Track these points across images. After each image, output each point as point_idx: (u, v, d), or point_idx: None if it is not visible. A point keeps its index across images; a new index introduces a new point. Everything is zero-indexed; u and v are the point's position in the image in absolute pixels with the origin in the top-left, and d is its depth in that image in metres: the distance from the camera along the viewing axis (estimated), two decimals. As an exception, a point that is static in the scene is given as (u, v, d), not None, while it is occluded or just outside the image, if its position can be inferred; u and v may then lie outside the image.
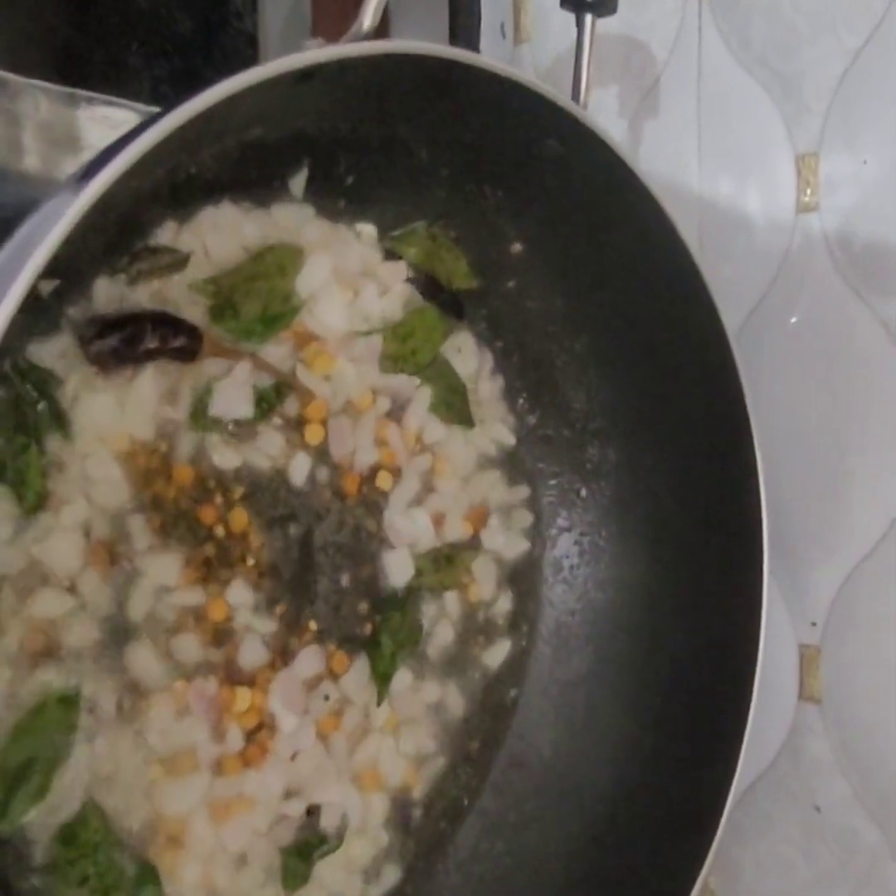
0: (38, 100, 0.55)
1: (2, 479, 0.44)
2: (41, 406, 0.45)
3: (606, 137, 0.51)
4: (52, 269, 0.36)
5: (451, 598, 0.62)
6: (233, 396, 0.50)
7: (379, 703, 0.58)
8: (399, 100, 0.48)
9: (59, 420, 0.46)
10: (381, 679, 0.58)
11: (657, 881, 0.58)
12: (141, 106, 0.56)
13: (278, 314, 0.53)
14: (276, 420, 0.54)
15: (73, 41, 0.86)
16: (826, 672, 0.63)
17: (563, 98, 0.48)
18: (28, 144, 0.54)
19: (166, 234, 0.49)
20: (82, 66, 0.85)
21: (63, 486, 0.46)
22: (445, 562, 0.61)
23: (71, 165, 0.54)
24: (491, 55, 0.78)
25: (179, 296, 0.50)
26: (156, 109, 0.58)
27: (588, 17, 0.55)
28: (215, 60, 0.93)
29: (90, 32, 0.86)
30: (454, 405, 0.61)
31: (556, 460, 0.66)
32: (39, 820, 0.47)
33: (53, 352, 0.46)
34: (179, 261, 0.49)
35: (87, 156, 0.54)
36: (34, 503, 0.45)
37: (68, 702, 0.47)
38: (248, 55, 0.93)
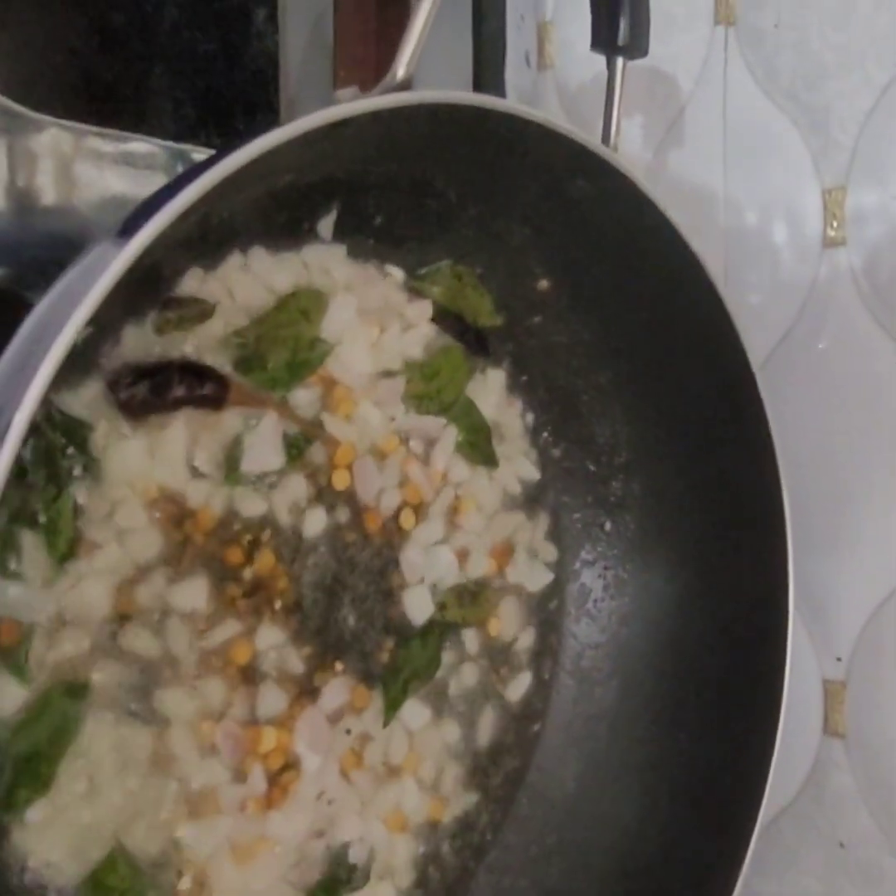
0: (57, 136, 0.55)
1: (34, 527, 0.44)
2: (71, 453, 0.46)
3: (635, 178, 0.51)
4: (89, 321, 0.36)
5: (474, 634, 0.62)
6: (264, 451, 0.50)
7: (384, 725, 0.58)
8: (429, 145, 0.48)
9: (90, 468, 0.46)
10: (391, 704, 0.58)
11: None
12: (158, 141, 0.57)
13: (304, 360, 0.53)
14: (303, 467, 0.54)
15: (94, 65, 0.86)
16: (851, 707, 0.63)
17: (593, 141, 0.48)
18: (45, 182, 0.54)
19: (192, 283, 0.49)
20: (104, 89, 0.85)
21: (94, 532, 0.47)
22: (470, 598, 0.61)
23: (91, 199, 0.54)
24: (515, 83, 0.78)
25: (207, 346, 0.50)
26: (173, 144, 0.59)
27: (619, 60, 0.55)
28: (237, 81, 0.93)
29: (112, 55, 0.86)
30: (478, 445, 0.61)
31: (580, 494, 0.66)
32: (66, 870, 0.47)
33: (83, 400, 0.46)
34: (206, 311, 0.49)
35: (107, 193, 0.54)
36: (65, 551, 0.46)
37: (74, 693, 0.47)
38: (271, 75, 0.93)
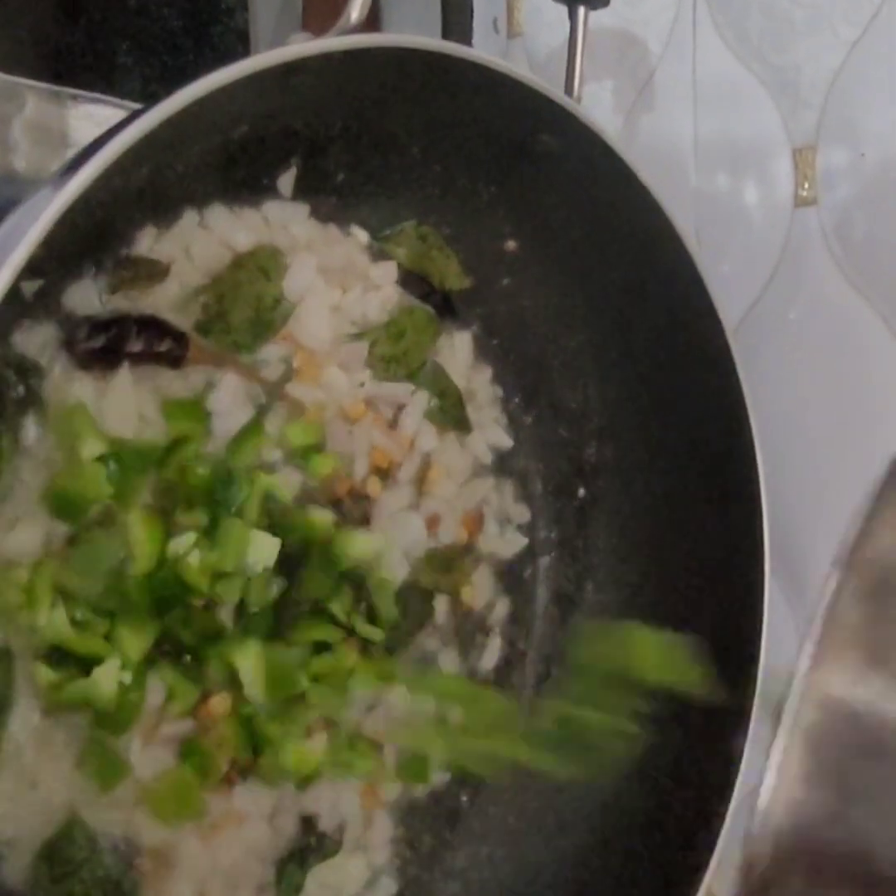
0: (26, 98, 0.54)
1: None
2: (21, 394, 0.45)
3: (601, 131, 0.50)
4: (36, 269, 0.35)
5: (446, 602, 0.61)
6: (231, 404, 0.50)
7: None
8: (390, 95, 0.47)
9: (37, 410, 0.46)
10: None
11: (662, 884, 0.57)
12: (131, 103, 0.56)
13: (268, 321, 0.52)
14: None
15: (63, 40, 0.85)
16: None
17: (556, 92, 0.48)
18: (17, 144, 0.53)
19: (146, 241, 0.48)
20: (72, 64, 0.85)
21: (32, 475, 0.46)
22: (443, 565, 0.60)
23: (59, 164, 0.53)
24: (484, 50, 0.77)
25: (166, 306, 0.49)
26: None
27: (581, 10, 0.54)
28: (206, 58, 0.92)
29: (80, 31, 0.86)
30: (449, 410, 0.61)
31: (552, 460, 0.65)
32: (22, 836, 0.46)
33: (39, 345, 0.46)
34: (160, 271, 0.48)
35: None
36: (3, 493, 0.45)
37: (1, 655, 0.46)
38: (239, 52, 0.92)
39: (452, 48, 0.43)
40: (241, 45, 0.93)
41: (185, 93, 0.37)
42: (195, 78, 0.38)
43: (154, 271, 0.48)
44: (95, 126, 0.55)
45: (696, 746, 0.59)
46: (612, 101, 0.71)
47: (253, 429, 0.51)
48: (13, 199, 0.53)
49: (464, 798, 0.63)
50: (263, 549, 0.50)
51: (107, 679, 0.47)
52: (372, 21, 0.45)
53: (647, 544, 0.64)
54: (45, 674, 0.47)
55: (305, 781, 0.55)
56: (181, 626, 0.49)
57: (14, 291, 0.35)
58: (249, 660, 0.50)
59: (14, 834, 0.46)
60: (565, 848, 0.61)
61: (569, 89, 0.54)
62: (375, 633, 0.55)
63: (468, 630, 0.63)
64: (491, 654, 0.64)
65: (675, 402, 0.60)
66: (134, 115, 0.37)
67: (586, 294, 0.60)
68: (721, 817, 0.56)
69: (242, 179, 0.50)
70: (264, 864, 0.54)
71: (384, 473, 0.58)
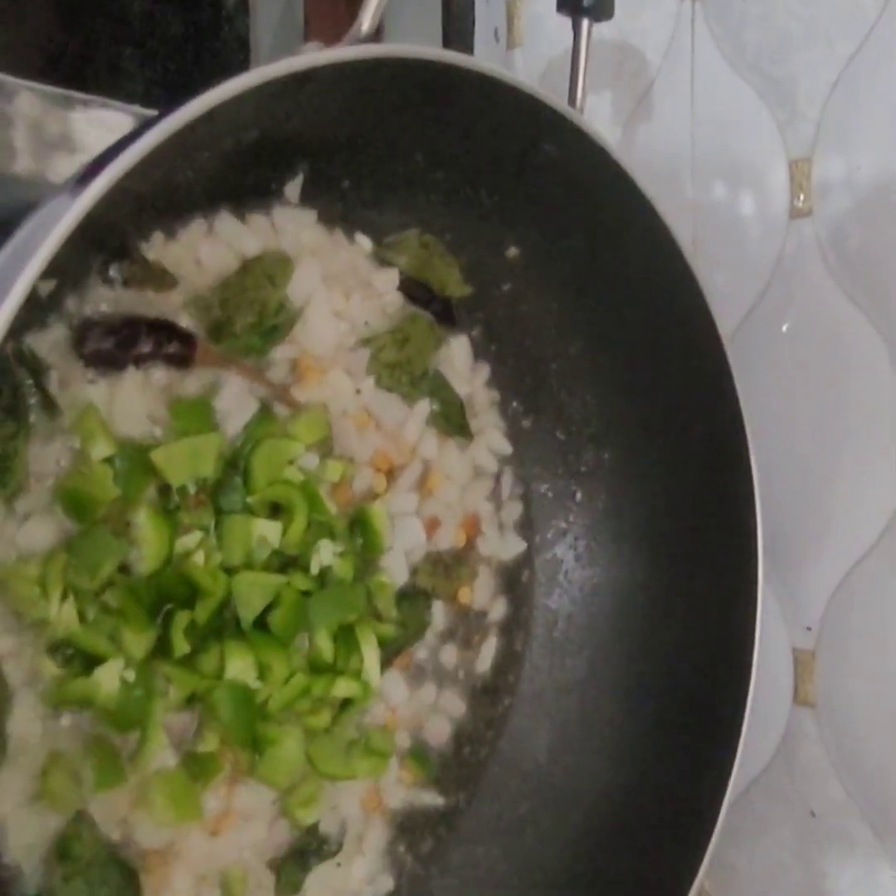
0: (31, 101, 0.55)
1: None
2: (33, 392, 0.46)
3: (602, 141, 0.51)
4: (50, 270, 0.36)
5: (446, 605, 0.62)
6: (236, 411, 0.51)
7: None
8: (396, 104, 0.48)
9: (48, 409, 0.46)
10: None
11: (653, 884, 0.58)
12: (136, 108, 0.56)
13: (274, 326, 0.53)
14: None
15: (66, 45, 0.85)
16: (821, 676, 0.63)
17: (559, 102, 0.49)
18: (20, 146, 0.54)
19: (155, 247, 0.49)
20: (75, 69, 0.85)
21: (44, 469, 0.47)
22: (443, 569, 0.61)
23: (64, 167, 0.54)
24: (484, 60, 0.78)
25: (174, 312, 0.50)
26: (150, 112, 0.58)
27: (585, 22, 0.55)
28: (207, 64, 0.93)
29: (83, 36, 0.86)
30: (452, 417, 0.61)
31: (551, 464, 0.66)
32: (33, 839, 0.47)
33: (50, 345, 0.46)
34: (167, 276, 0.49)
35: (80, 158, 0.53)
36: (15, 490, 0.46)
37: None
38: (240, 59, 0.92)
39: (459, 58, 0.44)
40: (241, 52, 0.94)
41: (200, 101, 0.38)
42: (196, 84, 0.39)
43: (162, 275, 0.49)
44: (103, 130, 0.56)
45: (690, 742, 0.60)
46: (610, 111, 0.72)
47: (263, 417, 0.52)
48: (17, 201, 0.54)
49: (460, 796, 0.64)
50: (268, 534, 0.51)
51: (108, 678, 0.48)
52: (374, 33, 0.46)
53: (644, 548, 0.64)
54: (50, 668, 0.47)
55: (307, 802, 0.55)
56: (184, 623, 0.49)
57: (31, 293, 0.36)
58: (245, 656, 0.51)
59: (27, 839, 0.47)
60: (560, 846, 0.62)
61: (571, 100, 0.54)
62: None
63: (466, 631, 0.64)
64: (487, 655, 0.64)
65: (671, 408, 0.61)
66: (149, 124, 0.38)
67: (584, 300, 0.61)
68: (715, 815, 0.56)
69: (251, 185, 0.51)
70: (266, 861, 0.55)
71: (386, 478, 0.58)
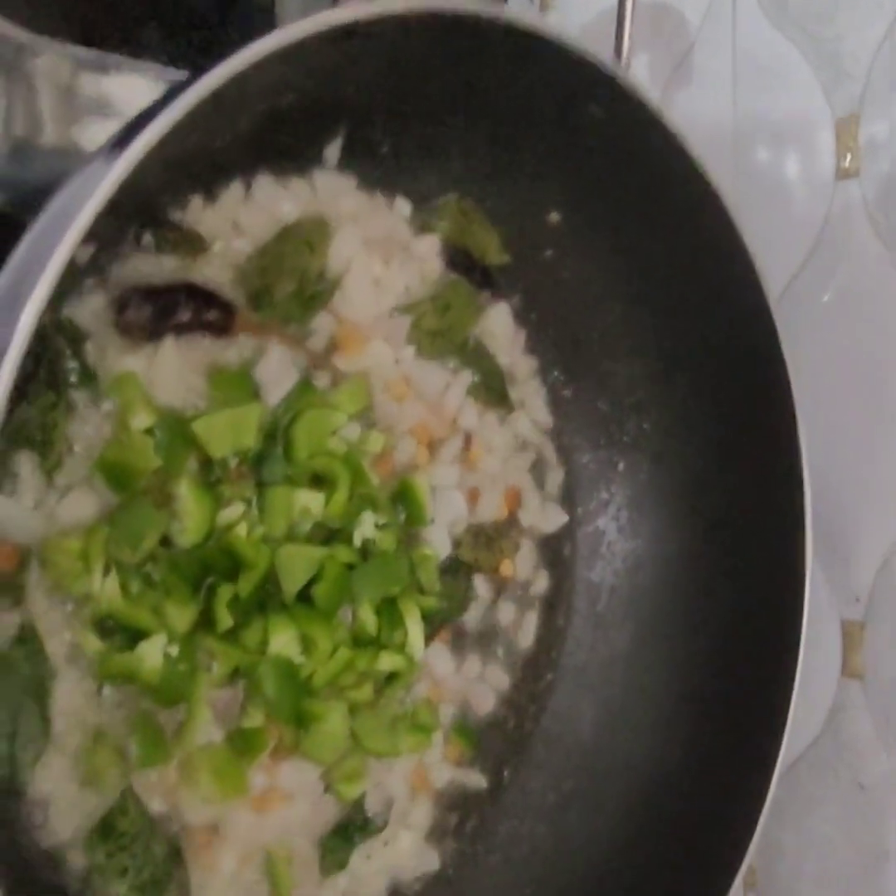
0: (60, 63, 0.53)
1: (31, 446, 0.44)
2: (72, 362, 0.45)
3: (648, 100, 0.49)
4: (89, 235, 0.35)
5: (489, 577, 0.61)
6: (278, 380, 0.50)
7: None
8: (436, 62, 0.47)
9: (89, 379, 0.46)
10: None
11: (702, 863, 0.57)
12: (171, 70, 0.55)
13: (314, 294, 0.52)
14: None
15: (88, 19, 0.84)
16: (869, 648, 0.62)
17: (605, 58, 0.47)
18: (47, 114, 0.52)
19: (192, 212, 0.48)
20: (98, 40, 0.84)
21: (84, 441, 0.46)
22: (485, 541, 0.60)
23: (97, 133, 0.52)
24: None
25: (212, 276, 0.49)
26: (181, 72, 0.57)
27: (632, -27, 0.53)
28: (232, 36, 0.92)
29: (106, 10, 0.85)
30: (493, 388, 0.61)
31: (593, 435, 0.65)
32: (78, 818, 0.46)
33: (87, 311, 0.46)
34: (203, 244, 0.48)
35: (113, 123, 0.52)
36: (55, 463, 0.45)
37: (23, 640, 0.46)
38: (267, 26, 0.91)
39: (508, 13, 0.43)
40: (267, 25, 0.93)
41: (236, 59, 0.37)
42: (220, 54, 0.37)
43: (199, 241, 0.48)
44: (136, 93, 0.54)
45: (738, 716, 0.59)
46: (649, 74, 0.70)
47: (304, 387, 0.51)
48: (50, 171, 0.53)
49: (505, 773, 0.63)
50: (310, 505, 0.50)
51: (152, 653, 0.47)
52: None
53: (688, 520, 0.63)
54: (93, 643, 0.47)
55: (352, 777, 0.55)
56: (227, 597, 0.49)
57: (72, 262, 0.35)
58: (289, 630, 0.50)
59: (72, 817, 0.46)
60: (606, 823, 0.61)
61: (617, 55, 0.53)
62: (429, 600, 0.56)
63: (508, 604, 0.63)
64: (530, 629, 0.64)
65: (715, 376, 0.60)
66: (183, 85, 0.37)
67: (628, 265, 0.59)
68: (764, 791, 0.56)
69: (289, 149, 0.50)
70: (310, 837, 0.54)
71: (428, 450, 0.57)
